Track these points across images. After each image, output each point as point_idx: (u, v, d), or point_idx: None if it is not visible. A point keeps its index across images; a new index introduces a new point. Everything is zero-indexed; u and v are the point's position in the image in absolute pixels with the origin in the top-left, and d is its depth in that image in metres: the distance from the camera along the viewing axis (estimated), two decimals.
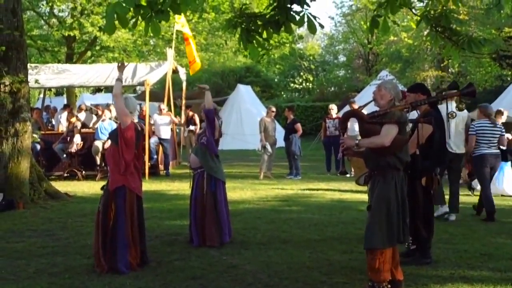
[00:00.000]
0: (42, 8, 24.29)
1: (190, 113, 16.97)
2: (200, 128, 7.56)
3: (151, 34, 5.20)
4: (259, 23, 5.94)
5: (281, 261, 6.22)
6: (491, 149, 8.85)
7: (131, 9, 4.99)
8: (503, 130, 9.14)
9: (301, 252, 6.62)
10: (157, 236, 7.44)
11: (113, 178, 5.93)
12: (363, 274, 5.40)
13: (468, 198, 11.06)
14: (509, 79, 22.17)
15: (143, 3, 5.13)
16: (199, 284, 5.39)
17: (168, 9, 5.15)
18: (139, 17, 5.16)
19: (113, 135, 6.15)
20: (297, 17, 5.75)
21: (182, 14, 6.70)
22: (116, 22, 4.97)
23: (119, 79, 6.15)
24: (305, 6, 5.82)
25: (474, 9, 18.17)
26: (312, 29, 5.76)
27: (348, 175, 14.18)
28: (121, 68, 6.22)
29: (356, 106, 14.74)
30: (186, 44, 16.44)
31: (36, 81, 12.58)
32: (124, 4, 4.82)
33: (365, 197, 6.56)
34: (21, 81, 10.14)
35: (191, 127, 16.58)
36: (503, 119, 10.20)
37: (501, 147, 9.12)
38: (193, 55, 16.55)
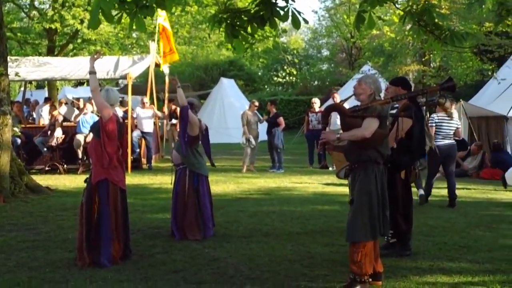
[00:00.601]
0: (22, 0, 23.99)
1: (173, 107, 16.91)
2: None
3: (135, 29, 5.16)
4: (244, 18, 5.94)
5: (263, 254, 6.25)
6: (445, 140, 9.57)
7: (116, 4, 4.96)
8: (459, 124, 10.16)
9: (283, 245, 6.65)
10: (139, 229, 7.43)
11: (96, 171, 5.91)
12: (344, 267, 5.45)
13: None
14: (489, 73, 22.38)
15: None
16: (181, 277, 5.39)
17: (154, 4, 5.12)
18: (124, 13, 5.12)
19: (94, 128, 6.12)
20: (282, 12, 5.75)
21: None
22: (101, 17, 4.92)
23: (92, 72, 6.04)
24: (289, 1, 5.82)
25: (456, 4, 18.27)
26: (296, 24, 5.77)
27: (330, 169, 14.27)
28: (92, 59, 6.10)
29: (338, 97, 14.84)
30: (161, 36, 16.24)
31: (17, 74, 12.46)
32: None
33: (347, 190, 6.60)
34: (0, 74, 10.03)
35: (174, 121, 16.52)
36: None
37: (456, 138, 9.94)
38: (168, 46, 16.30)
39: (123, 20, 5.22)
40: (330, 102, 16.78)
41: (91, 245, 5.79)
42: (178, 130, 7.72)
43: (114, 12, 5.06)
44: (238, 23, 5.96)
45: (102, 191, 5.84)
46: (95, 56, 6.14)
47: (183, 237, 6.91)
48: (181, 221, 6.99)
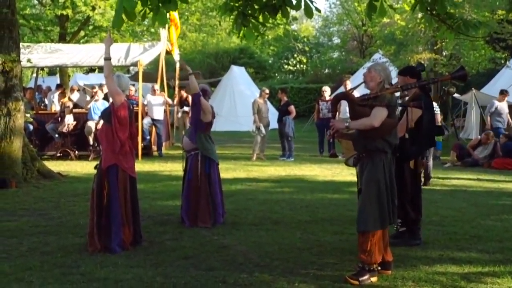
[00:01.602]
0: None
1: (184, 94, 16.93)
2: None
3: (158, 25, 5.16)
4: (256, 7, 5.92)
5: (272, 241, 6.27)
6: None
7: (139, 2, 4.96)
8: (438, 109, 10.69)
9: (292, 233, 6.67)
10: (149, 216, 7.47)
11: (106, 157, 5.94)
12: (353, 255, 5.46)
13: (458, 181, 11.15)
14: (502, 61, 22.19)
15: None
16: (191, 264, 5.43)
17: None
18: (147, 9, 5.12)
19: (105, 114, 6.14)
20: (294, 1, 5.72)
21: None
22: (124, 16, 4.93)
23: (107, 58, 6.01)
24: None
25: None
26: (309, 13, 5.74)
27: (340, 157, 14.25)
28: (108, 42, 6.05)
29: (349, 84, 14.76)
30: (170, 25, 16.23)
31: (29, 60, 12.50)
32: None
33: (356, 179, 6.60)
34: (13, 60, 10.09)
35: (185, 108, 16.53)
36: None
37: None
38: (172, 40, 16.37)
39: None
40: (341, 90, 16.73)
41: (101, 231, 5.83)
42: (190, 117, 7.72)
43: (137, 11, 5.06)
44: (249, 11, 5.94)
45: (111, 177, 5.87)
46: (107, 40, 6.10)
47: (193, 224, 6.94)
48: (193, 207, 7.01)
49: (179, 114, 17.02)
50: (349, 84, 14.71)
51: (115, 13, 4.93)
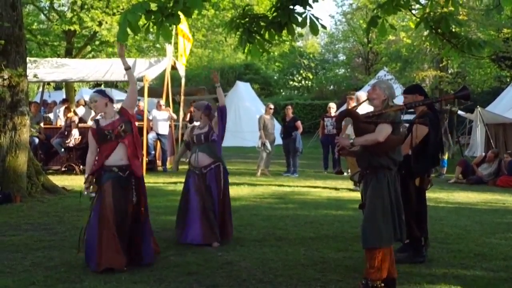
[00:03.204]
0: (42, 2, 24.26)
1: (193, 109, 16.96)
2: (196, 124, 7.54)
3: (162, 39, 5.24)
4: (262, 24, 5.96)
5: (276, 258, 6.25)
6: None
7: (143, 15, 5.02)
8: None
9: (296, 249, 6.65)
10: (153, 231, 7.44)
11: (139, 164, 5.99)
12: (357, 272, 5.44)
13: (463, 198, 11.11)
14: (508, 80, 22.21)
15: (153, 8, 5.15)
16: (194, 280, 5.42)
17: (179, 12, 5.17)
18: (150, 23, 5.18)
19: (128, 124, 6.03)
20: (300, 19, 5.76)
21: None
22: (128, 29, 4.99)
23: (127, 68, 6.07)
24: (307, 8, 5.83)
25: (474, 10, 18.18)
26: (314, 30, 5.78)
27: (345, 174, 14.22)
28: (121, 52, 6.08)
29: (353, 101, 14.73)
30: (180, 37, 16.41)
31: (35, 76, 12.59)
32: (135, 12, 4.85)
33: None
34: (19, 75, 10.16)
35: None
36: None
37: None
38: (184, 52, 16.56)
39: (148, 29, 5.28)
40: (345, 107, 16.73)
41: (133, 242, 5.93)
42: (192, 131, 7.64)
43: (140, 23, 5.12)
44: (255, 28, 5.98)
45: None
46: (120, 50, 6.11)
47: (223, 237, 6.87)
48: (221, 220, 6.91)
49: (189, 129, 17.00)
50: (353, 102, 14.71)
51: (119, 27, 4.99)
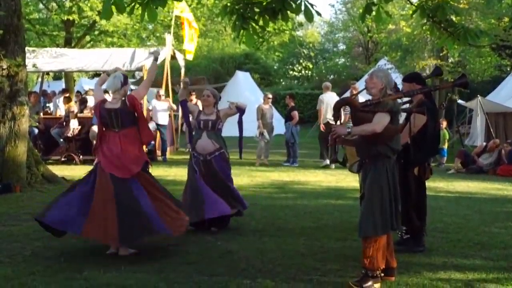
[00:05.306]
0: None
1: (194, 99, 16.92)
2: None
3: (147, 20, 5.22)
4: (256, 10, 5.92)
5: (275, 247, 6.26)
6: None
7: None
8: None
9: (296, 239, 6.65)
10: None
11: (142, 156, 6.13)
12: (357, 262, 5.44)
13: (463, 187, 11.12)
14: (508, 69, 22.16)
15: None
16: (194, 269, 5.42)
17: None
18: (136, 3, 5.14)
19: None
20: (294, 5, 5.71)
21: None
22: (114, 7, 4.95)
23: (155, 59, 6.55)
24: None
25: None
26: (309, 17, 5.73)
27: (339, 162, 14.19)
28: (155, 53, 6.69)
29: (356, 91, 14.66)
30: (182, 28, 16.38)
31: (34, 65, 12.55)
32: None
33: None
34: (18, 65, 10.12)
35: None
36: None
37: None
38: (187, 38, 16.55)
39: (137, 11, 5.25)
40: (347, 94, 16.69)
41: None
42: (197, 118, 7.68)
43: (127, 2, 5.09)
44: (249, 14, 5.93)
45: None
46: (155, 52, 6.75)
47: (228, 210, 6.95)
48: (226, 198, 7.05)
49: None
50: (357, 90, 14.65)
51: (104, 4, 4.97)
